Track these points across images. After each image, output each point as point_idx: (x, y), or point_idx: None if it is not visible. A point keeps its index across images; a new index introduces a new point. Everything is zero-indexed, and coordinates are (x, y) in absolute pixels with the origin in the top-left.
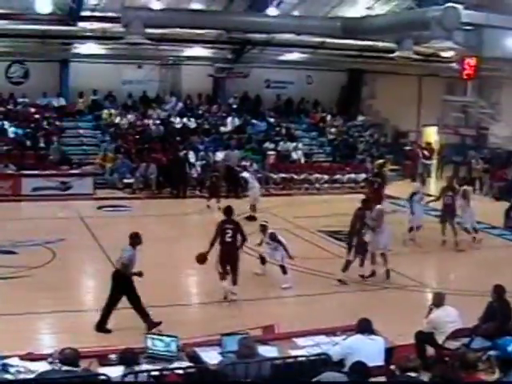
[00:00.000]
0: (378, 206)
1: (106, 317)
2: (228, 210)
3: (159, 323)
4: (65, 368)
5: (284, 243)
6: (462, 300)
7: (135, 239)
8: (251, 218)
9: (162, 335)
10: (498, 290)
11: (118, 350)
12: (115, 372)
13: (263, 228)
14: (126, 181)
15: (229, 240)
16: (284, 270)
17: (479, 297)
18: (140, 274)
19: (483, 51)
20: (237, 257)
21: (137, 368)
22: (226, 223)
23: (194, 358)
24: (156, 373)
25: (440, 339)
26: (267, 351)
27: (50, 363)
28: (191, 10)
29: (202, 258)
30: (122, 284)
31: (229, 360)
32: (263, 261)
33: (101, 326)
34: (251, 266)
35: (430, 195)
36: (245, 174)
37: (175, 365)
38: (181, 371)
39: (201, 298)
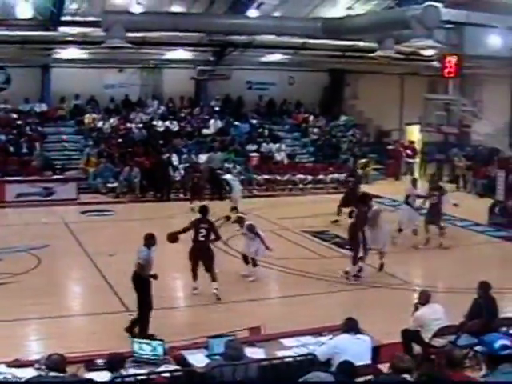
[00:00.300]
0: (375, 207)
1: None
2: (203, 210)
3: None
4: (52, 374)
5: (261, 235)
6: (447, 297)
7: (150, 240)
8: (229, 218)
9: (149, 339)
10: (484, 287)
11: (104, 354)
12: (102, 377)
13: (240, 219)
14: (109, 185)
15: (202, 239)
16: (255, 262)
17: (465, 294)
18: (155, 277)
19: (464, 49)
20: (210, 255)
21: (124, 372)
22: (200, 222)
23: (181, 361)
24: (143, 377)
25: (426, 337)
26: (254, 353)
27: (37, 369)
28: (172, 13)
29: (172, 238)
30: (140, 285)
31: (216, 362)
32: (246, 261)
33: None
34: (237, 268)
35: (421, 196)
36: (227, 176)
37: (162, 368)
38: (168, 374)
39: (187, 300)
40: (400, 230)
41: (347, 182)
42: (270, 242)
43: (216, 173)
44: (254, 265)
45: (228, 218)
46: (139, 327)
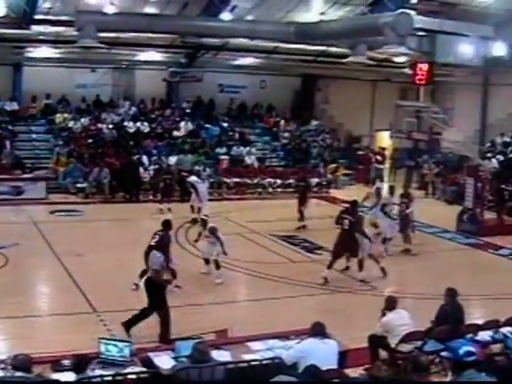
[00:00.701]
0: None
1: (138, 320)
2: (166, 223)
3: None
4: (18, 374)
5: (222, 239)
6: (414, 303)
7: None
8: (196, 221)
9: (116, 340)
10: (451, 293)
11: (71, 355)
12: (68, 378)
13: (204, 223)
14: (79, 185)
15: (152, 244)
16: (218, 265)
17: (432, 300)
18: (169, 281)
19: (436, 57)
20: None
21: (90, 373)
22: (158, 231)
23: (148, 363)
24: (109, 378)
25: (393, 342)
26: (221, 355)
27: (3, 369)
28: (145, 14)
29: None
30: (155, 290)
31: (182, 365)
32: (207, 261)
33: (129, 325)
34: (199, 268)
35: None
36: (191, 179)
37: (128, 370)
38: (134, 376)
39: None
40: (384, 240)
41: (297, 186)
42: (238, 246)
43: (184, 175)
44: (218, 267)
45: (195, 220)
46: (162, 330)
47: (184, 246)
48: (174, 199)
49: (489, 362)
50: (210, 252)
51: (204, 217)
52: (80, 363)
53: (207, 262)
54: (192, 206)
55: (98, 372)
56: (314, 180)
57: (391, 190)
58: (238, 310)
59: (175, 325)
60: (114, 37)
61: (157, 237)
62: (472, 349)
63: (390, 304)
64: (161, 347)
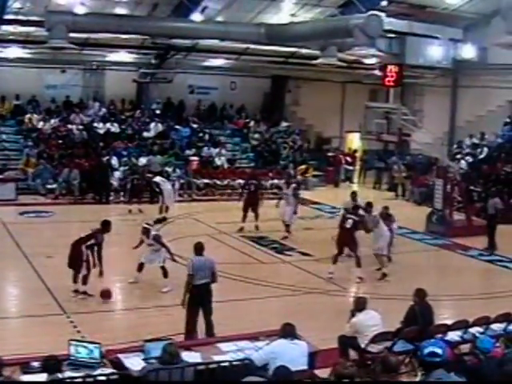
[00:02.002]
0: (374, 213)
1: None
2: (105, 223)
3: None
4: None
5: (167, 246)
6: (384, 304)
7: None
8: (163, 220)
9: (86, 342)
10: (420, 294)
11: (40, 357)
12: (38, 379)
13: (146, 230)
14: (48, 186)
15: (82, 236)
16: (165, 273)
17: (401, 301)
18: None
19: (406, 58)
20: (77, 252)
21: (60, 375)
22: (95, 229)
23: (118, 365)
24: (79, 380)
25: (363, 343)
26: (190, 357)
27: None
28: (115, 15)
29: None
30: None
31: (152, 366)
32: (140, 269)
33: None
34: (176, 273)
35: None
36: (156, 179)
37: (98, 371)
38: (104, 378)
39: (124, 304)
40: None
41: (248, 185)
42: (207, 247)
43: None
44: (165, 275)
45: (163, 219)
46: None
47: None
48: (144, 200)
49: (458, 362)
50: (154, 260)
51: (146, 225)
52: (50, 365)
53: (140, 268)
54: (161, 207)
55: (67, 374)
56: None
57: (353, 195)
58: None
59: (146, 326)
60: (85, 37)
61: (89, 232)
62: (438, 350)
63: (360, 305)
64: (131, 348)
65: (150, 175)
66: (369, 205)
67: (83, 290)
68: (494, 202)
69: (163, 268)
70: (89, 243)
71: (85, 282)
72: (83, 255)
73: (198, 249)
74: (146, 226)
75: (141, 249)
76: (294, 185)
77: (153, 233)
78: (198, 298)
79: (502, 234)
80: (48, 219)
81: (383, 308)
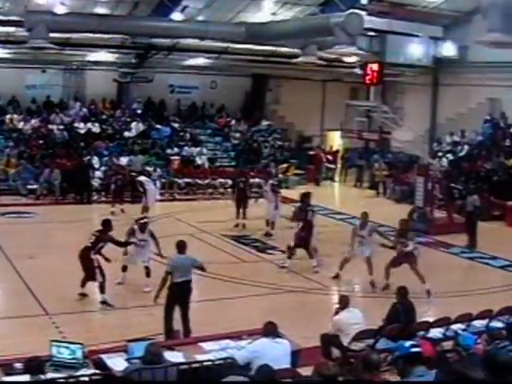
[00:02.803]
0: (370, 224)
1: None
2: (105, 223)
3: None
4: None
5: (158, 241)
6: (366, 302)
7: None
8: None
9: (68, 342)
10: (402, 292)
11: (23, 358)
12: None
13: (143, 225)
14: (29, 187)
15: (88, 245)
16: (148, 272)
17: (383, 298)
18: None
19: (386, 57)
20: (88, 261)
21: (42, 377)
22: (96, 231)
23: (100, 365)
24: (62, 380)
25: (345, 341)
26: (173, 356)
27: None
28: (96, 15)
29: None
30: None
31: (135, 366)
32: (124, 268)
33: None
34: (158, 272)
35: None
36: (141, 178)
37: (81, 372)
38: (86, 378)
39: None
40: None
41: (237, 183)
42: (189, 246)
43: (133, 175)
44: (148, 274)
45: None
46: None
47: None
48: (126, 200)
49: (440, 359)
50: (135, 260)
51: (145, 218)
52: (33, 366)
53: (125, 269)
54: (143, 207)
55: (50, 375)
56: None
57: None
58: (190, 311)
59: (128, 326)
60: (65, 37)
61: (93, 237)
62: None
63: (343, 303)
64: (113, 349)
65: (134, 174)
66: (305, 196)
67: (102, 299)
68: (472, 199)
69: (147, 268)
70: (97, 249)
71: (102, 290)
72: (94, 262)
73: (180, 247)
74: (143, 221)
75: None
76: (271, 181)
77: (149, 227)
78: (178, 295)
79: (484, 231)
80: (29, 220)
81: (366, 306)
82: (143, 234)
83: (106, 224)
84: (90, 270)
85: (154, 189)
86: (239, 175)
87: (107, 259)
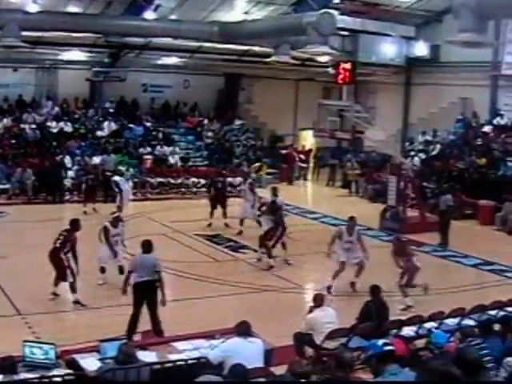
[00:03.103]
0: (357, 229)
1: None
2: (73, 222)
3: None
4: None
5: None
6: (339, 300)
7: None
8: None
9: (40, 343)
10: (374, 290)
11: None
12: None
13: (117, 219)
14: (1, 186)
15: (57, 245)
16: (122, 270)
17: (356, 297)
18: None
19: (359, 56)
20: (58, 261)
21: (15, 377)
22: (64, 231)
23: (73, 365)
24: (35, 381)
25: (318, 339)
26: (146, 356)
27: None
28: (68, 13)
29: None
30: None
31: (108, 366)
32: (103, 270)
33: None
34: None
35: None
36: (116, 178)
37: (54, 372)
38: (59, 379)
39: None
40: None
41: (215, 182)
42: (162, 246)
43: (107, 175)
44: (122, 272)
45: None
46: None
47: None
48: (98, 199)
49: (412, 357)
50: (109, 256)
51: (119, 215)
52: (7, 365)
53: (103, 270)
54: (118, 206)
55: (23, 375)
56: (238, 179)
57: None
58: (163, 311)
59: (101, 326)
60: (37, 36)
61: (61, 237)
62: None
63: (317, 301)
64: (86, 349)
65: (108, 174)
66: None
67: (75, 299)
68: (445, 198)
69: (121, 266)
70: (66, 249)
71: (73, 290)
72: (64, 262)
73: (145, 246)
74: (115, 215)
75: (94, 249)
76: (249, 180)
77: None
78: (139, 295)
79: (456, 229)
80: (1, 219)
81: (339, 304)
82: (116, 228)
83: (74, 223)
84: (61, 270)
85: (129, 189)
86: (217, 175)
87: (76, 258)
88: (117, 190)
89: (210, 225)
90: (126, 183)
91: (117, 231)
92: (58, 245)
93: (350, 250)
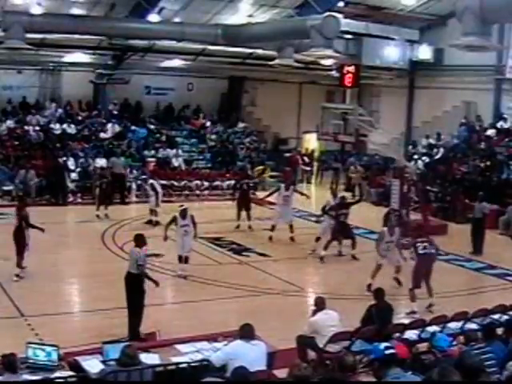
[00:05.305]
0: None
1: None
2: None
3: (142, 339)
4: None
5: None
6: (343, 304)
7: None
8: (149, 222)
9: (43, 344)
10: (378, 294)
11: None
12: None
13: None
14: (5, 188)
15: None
16: (187, 259)
17: (360, 300)
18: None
19: (362, 59)
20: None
21: (15, 376)
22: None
23: (76, 367)
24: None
25: (321, 343)
26: (149, 358)
27: None
28: (72, 16)
29: None
30: (136, 285)
31: (110, 368)
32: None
33: (136, 335)
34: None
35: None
36: (152, 181)
37: (56, 374)
38: (62, 381)
39: (82, 306)
40: (318, 239)
41: (241, 184)
42: (165, 248)
43: (121, 177)
44: (186, 261)
45: (150, 221)
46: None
47: (112, 250)
48: (115, 202)
49: (415, 361)
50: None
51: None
52: (8, 362)
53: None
54: (152, 209)
55: (25, 377)
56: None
57: (333, 193)
58: (166, 313)
59: (104, 328)
60: (41, 38)
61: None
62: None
63: (318, 304)
64: (89, 351)
65: (142, 176)
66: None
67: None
68: (481, 206)
69: (187, 257)
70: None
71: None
72: (26, 240)
73: (136, 240)
74: (183, 207)
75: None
76: (293, 187)
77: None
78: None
79: (459, 233)
80: (5, 221)
81: (342, 308)
82: (184, 220)
83: (21, 200)
84: (21, 245)
85: (153, 192)
86: (243, 177)
87: (41, 229)
88: (152, 192)
89: (238, 226)
90: (159, 185)
91: (185, 222)
92: (18, 223)
93: (389, 250)
